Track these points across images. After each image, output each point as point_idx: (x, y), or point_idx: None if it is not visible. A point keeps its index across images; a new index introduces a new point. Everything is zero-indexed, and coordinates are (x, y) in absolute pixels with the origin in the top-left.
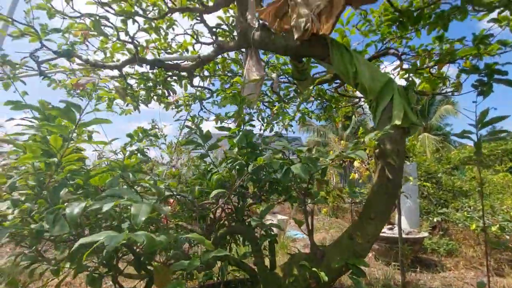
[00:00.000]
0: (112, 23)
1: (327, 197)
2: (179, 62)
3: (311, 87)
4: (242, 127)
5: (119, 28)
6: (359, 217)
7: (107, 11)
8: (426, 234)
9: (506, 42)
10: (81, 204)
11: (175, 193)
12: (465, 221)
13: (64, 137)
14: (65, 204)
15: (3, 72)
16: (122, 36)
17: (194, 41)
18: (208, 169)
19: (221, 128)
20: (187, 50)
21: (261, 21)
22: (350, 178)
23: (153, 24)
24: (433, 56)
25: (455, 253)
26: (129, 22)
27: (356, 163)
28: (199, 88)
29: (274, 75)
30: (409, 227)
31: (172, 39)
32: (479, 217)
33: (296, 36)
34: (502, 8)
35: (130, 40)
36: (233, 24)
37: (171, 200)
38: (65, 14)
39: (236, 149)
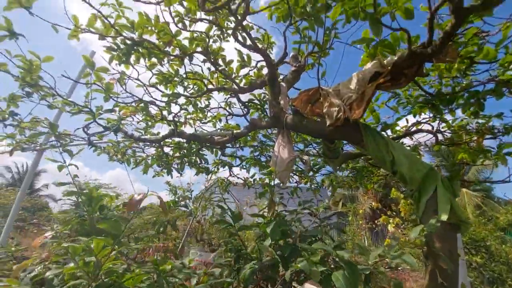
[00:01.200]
0: (157, 105)
1: None
2: (213, 136)
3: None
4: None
5: (162, 108)
6: None
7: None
8: None
9: None
10: None
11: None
12: None
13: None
14: None
15: (57, 144)
16: (165, 112)
17: (227, 113)
18: (238, 248)
19: (254, 215)
20: (220, 121)
21: (293, 107)
22: (385, 244)
23: (192, 100)
24: (470, 132)
25: None
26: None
27: (390, 227)
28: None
29: (306, 157)
30: None
31: (207, 111)
32: None
33: (328, 123)
34: None
35: (171, 118)
36: (264, 99)
37: None
38: (118, 95)
39: (269, 241)
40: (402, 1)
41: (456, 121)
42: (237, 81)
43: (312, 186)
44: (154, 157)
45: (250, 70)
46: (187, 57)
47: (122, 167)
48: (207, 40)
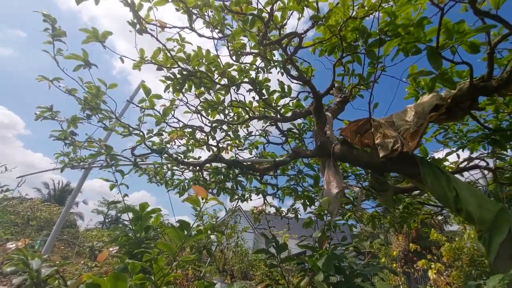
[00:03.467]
0: (204, 131)
1: None
2: (254, 162)
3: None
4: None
5: (208, 133)
6: None
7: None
8: None
9: None
10: None
11: None
12: None
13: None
14: None
15: (105, 164)
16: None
17: (265, 141)
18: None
19: (303, 246)
20: (257, 148)
21: (341, 136)
22: None
23: (233, 128)
24: None
25: None
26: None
27: (431, 274)
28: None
29: (357, 189)
30: None
31: (246, 139)
32: None
33: (382, 154)
34: None
35: (215, 144)
36: (303, 129)
37: None
38: (167, 123)
39: (321, 275)
40: (468, 36)
41: None
42: (277, 109)
43: (348, 221)
44: (191, 181)
45: (290, 101)
46: (234, 87)
47: (146, 189)
48: (254, 71)
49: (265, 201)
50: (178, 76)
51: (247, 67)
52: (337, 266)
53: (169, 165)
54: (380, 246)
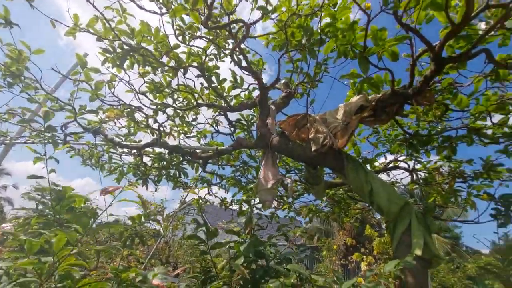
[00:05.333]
0: (144, 113)
1: None
2: (196, 150)
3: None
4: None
5: (149, 116)
6: None
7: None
8: None
9: None
10: None
11: None
12: None
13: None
14: None
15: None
16: (150, 120)
17: (213, 130)
18: (207, 269)
19: (229, 231)
20: (205, 137)
21: (280, 129)
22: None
23: (180, 113)
24: (443, 174)
25: None
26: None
27: (363, 265)
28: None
29: (289, 181)
30: None
31: (194, 126)
32: None
33: (313, 148)
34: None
35: (156, 127)
36: (251, 121)
37: None
38: (104, 97)
39: (241, 259)
40: (389, 44)
41: (430, 163)
42: (227, 100)
43: (289, 213)
44: (131, 165)
45: (241, 92)
46: (182, 70)
47: (91, 177)
48: (204, 57)
49: (209, 191)
50: (119, 50)
51: (199, 51)
52: (258, 251)
53: (105, 147)
54: (324, 240)
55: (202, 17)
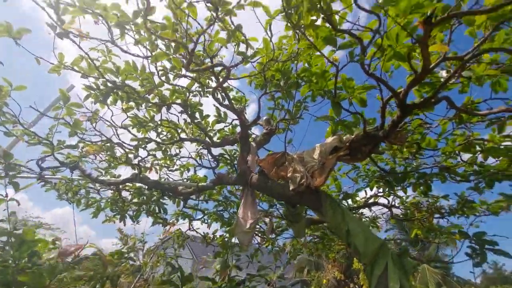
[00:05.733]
0: (124, 148)
1: None
2: (177, 186)
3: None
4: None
5: (129, 151)
6: None
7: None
8: None
9: (486, 203)
10: None
11: None
12: None
13: None
14: None
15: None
16: (132, 155)
17: (196, 163)
18: None
19: (202, 278)
20: (188, 170)
21: (259, 167)
22: None
23: (162, 147)
24: (422, 210)
25: None
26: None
27: None
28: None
29: (267, 220)
30: None
31: (177, 159)
32: None
33: (291, 188)
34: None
35: (136, 163)
36: (234, 156)
37: None
38: (85, 131)
39: None
40: (357, 91)
41: (409, 198)
42: (211, 134)
43: (273, 249)
44: (109, 200)
45: (225, 126)
46: (165, 106)
47: (71, 206)
48: (188, 94)
49: (191, 226)
50: (102, 87)
51: (183, 88)
52: None
53: (82, 182)
54: (314, 274)
55: (185, 60)
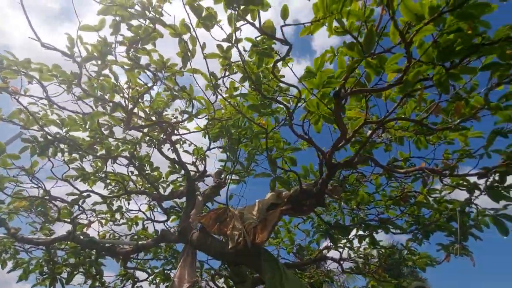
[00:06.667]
0: (56, 205)
1: None
2: (115, 244)
3: None
4: None
5: (63, 207)
6: None
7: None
8: None
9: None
10: None
11: None
12: None
13: None
14: None
15: None
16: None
17: (146, 217)
18: None
19: None
20: (137, 224)
21: (200, 223)
22: None
23: (107, 200)
24: (370, 263)
25: None
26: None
27: None
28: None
29: (203, 284)
30: None
31: (125, 212)
32: None
33: (230, 246)
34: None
35: (69, 220)
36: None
37: None
38: (20, 183)
39: None
40: (287, 152)
41: (360, 250)
42: (164, 185)
43: None
44: (40, 261)
45: (178, 178)
46: (111, 159)
47: None
48: (135, 146)
49: None
50: (41, 139)
51: (134, 139)
52: None
53: (5, 241)
54: None
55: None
